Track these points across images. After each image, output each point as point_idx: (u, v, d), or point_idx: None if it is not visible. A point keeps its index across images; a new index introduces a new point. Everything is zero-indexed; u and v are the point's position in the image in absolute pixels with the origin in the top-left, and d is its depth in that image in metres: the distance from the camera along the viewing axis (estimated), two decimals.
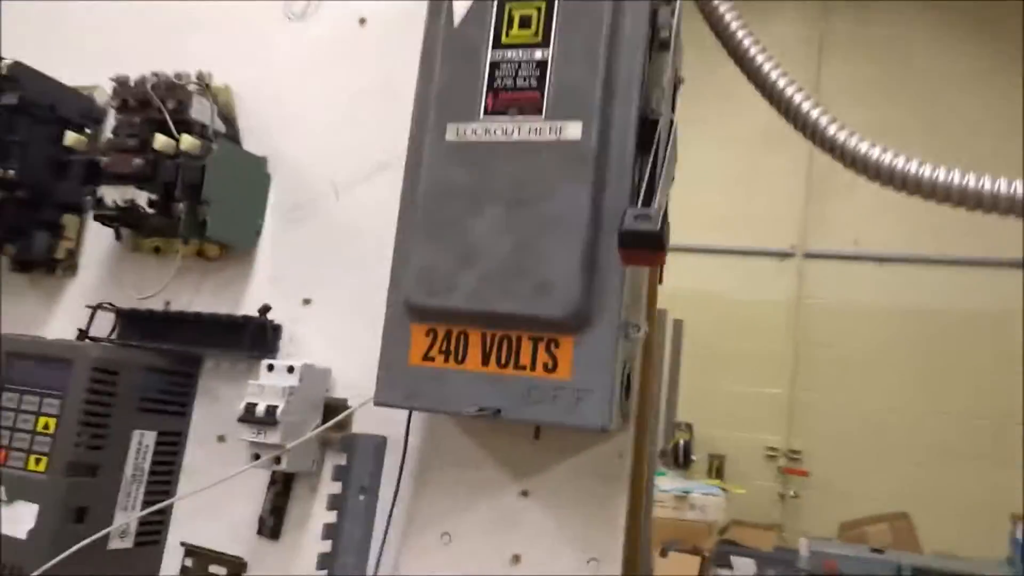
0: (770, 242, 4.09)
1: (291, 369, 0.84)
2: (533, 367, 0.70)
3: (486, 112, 0.74)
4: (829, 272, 4.05)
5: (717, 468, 3.78)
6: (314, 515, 0.86)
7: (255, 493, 0.88)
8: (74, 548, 0.78)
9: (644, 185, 0.70)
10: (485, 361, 0.71)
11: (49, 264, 1.02)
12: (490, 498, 0.81)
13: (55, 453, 0.79)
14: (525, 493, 0.80)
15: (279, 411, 0.81)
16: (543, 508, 0.80)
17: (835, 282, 4.03)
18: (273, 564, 0.86)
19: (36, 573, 0.76)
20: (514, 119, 0.73)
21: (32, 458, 0.80)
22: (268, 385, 0.83)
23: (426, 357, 0.73)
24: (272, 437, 0.81)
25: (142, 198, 0.89)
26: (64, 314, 1.01)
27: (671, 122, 0.77)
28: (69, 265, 1.02)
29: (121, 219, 0.93)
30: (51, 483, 0.78)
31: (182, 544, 0.89)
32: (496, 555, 0.80)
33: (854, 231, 4.01)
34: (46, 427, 0.80)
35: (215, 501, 0.89)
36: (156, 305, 0.96)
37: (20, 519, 0.78)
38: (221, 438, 0.92)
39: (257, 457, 0.82)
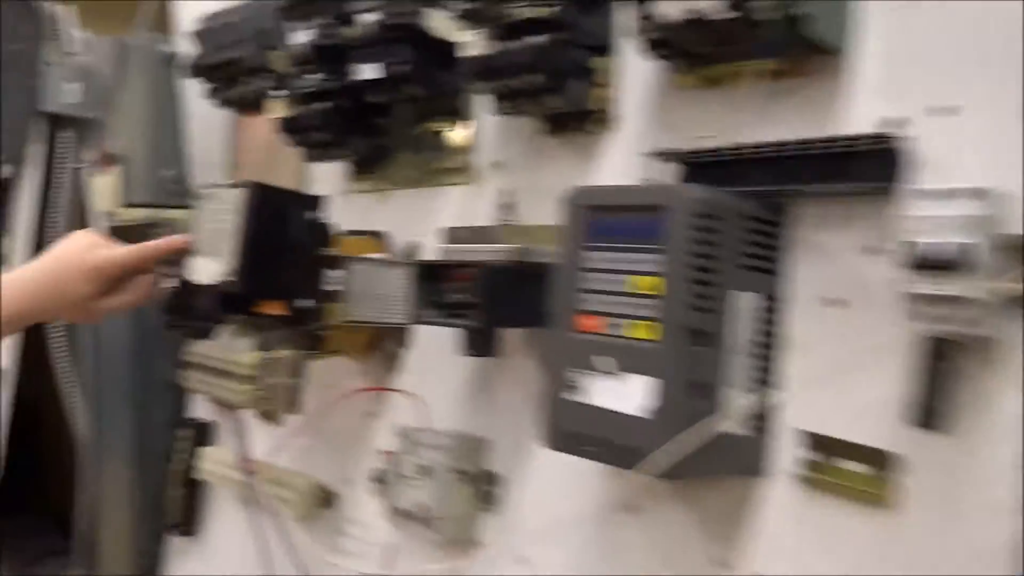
0: None
1: (965, 193, 0.59)
2: None
3: None
4: None
5: None
6: (998, 399, 0.62)
7: (891, 367, 0.67)
8: (697, 428, 0.64)
9: None
10: None
11: (582, 116, 0.90)
12: None
13: (667, 317, 0.65)
14: None
15: (967, 249, 0.57)
16: None
17: None
18: (938, 463, 0.64)
19: (658, 452, 0.63)
20: None
21: (637, 324, 0.67)
22: (935, 217, 0.59)
23: None
24: (955, 289, 0.58)
25: (712, 6, 0.70)
26: (605, 172, 0.89)
27: None
28: (604, 116, 0.89)
29: (679, 42, 0.77)
30: (671, 352, 0.65)
31: (800, 430, 0.72)
32: None
33: None
34: (647, 287, 0.67)
35: (835, 379, 0.70)
36: (722, 144, 0.78)
37: (634, 394, 0.66)
38: (830, 300, 0.71)
39: (929, 315, 0.59)
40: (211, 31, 1.27)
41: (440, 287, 0.86)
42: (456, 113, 1.03)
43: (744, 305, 0.70)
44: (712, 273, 0.67)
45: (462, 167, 1.02)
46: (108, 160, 1.57)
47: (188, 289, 1.17)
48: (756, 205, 0.72)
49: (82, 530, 1.67)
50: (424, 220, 1.06)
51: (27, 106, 1.73)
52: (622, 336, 0.68)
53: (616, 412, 0.67)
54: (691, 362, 0.66)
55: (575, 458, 0.74)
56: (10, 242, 1.88)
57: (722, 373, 0.68)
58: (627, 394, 0.67)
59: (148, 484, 1.46)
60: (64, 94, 1.72)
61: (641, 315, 0.67)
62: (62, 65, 1.73)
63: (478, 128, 1.01)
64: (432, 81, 0.97)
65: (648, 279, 0.67)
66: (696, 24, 0.71)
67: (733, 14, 0.69)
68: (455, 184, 1.03)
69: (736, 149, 0.74)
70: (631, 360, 0.67)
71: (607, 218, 0.71)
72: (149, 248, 0.92)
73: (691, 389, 0.66)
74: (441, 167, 1.05)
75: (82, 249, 0.86)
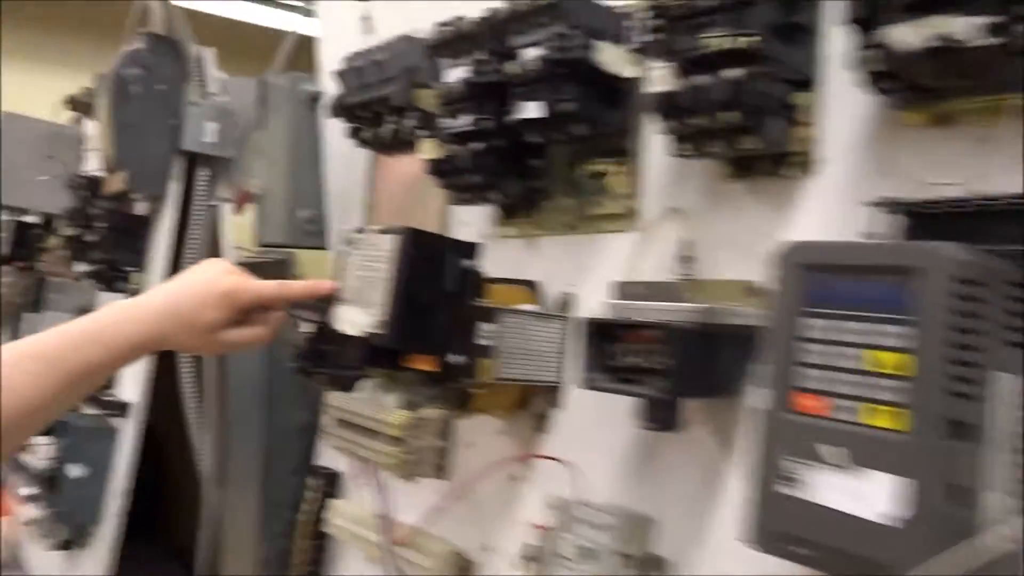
0: None
1: None
2: None
3: None
4: None
5: None
6: None
7: None
8: (968, 545, 0.52)
9: None
10: None
11: (777, 159, 0.79)
12: None
13: (921, 403, 0.54)
14: None
15: None
16: None
17: None
18: None
19: (918, 572, 0.52)
20: None
21: (877, 409, 0.56)
22: None
23: None
24: None
25: (967, 30, 0.59)
26: (804, 223, 0.78)
27: None
28: (805, 158, 0.78)
29: (912, 74, 0.65)
30: (926, 447, 0.53)
31: None
32: None
33: None
34: (891, 365, 0.55)
35: None
36: (959, 194, 0.66)
37: (875, 495, 0.55)
38: None
39: None
40: (355, 69, 1.23)
41: (613, 348, 0.77)
42: (620, 153, 0.94)
43: (1008, 390, 0.57)
44: (974, 351, 0.55)
45: (625, 213, 0.93)
46: (245, 198, 1.56)
47: (326, 336, 1.11)
48: (1018, 268, 0.59)
49: (204, 568, 1.65)
50: (579, 269, 0.97)
51: (169, 145, 1.77)
52: (857, 423, 0.57)
53: (849, 515, 0.56)
54: (950, 460, 0.54)
55: (762, 554, 0.63)
56: (145, 278, 1.92)
57: (984, 473, 0.56)
58: (865, 494, 0.55)
59: (273, 530, 1.42)
60: (204, 133, 1.75)
61: (882, 399, 0.56)
62: (203, 105, 1.76)
63: (645, 170, 0.92)
64: (598, 120, 0.89)
65: (892, 355, 0.56)
66: (943, 52, 0.60)
67: (995, 39, 0.58)
68: (616, 231, 0.94)
69: (988, 200, 0.62)
70: (870, 453, 0.55)
71: (835, 280, 0.60)
72: (291, 287, 0.87)
73: (950, 493, 0.54)
74: (601, 212, 0.96)
75: (214, 275, 0.82)
